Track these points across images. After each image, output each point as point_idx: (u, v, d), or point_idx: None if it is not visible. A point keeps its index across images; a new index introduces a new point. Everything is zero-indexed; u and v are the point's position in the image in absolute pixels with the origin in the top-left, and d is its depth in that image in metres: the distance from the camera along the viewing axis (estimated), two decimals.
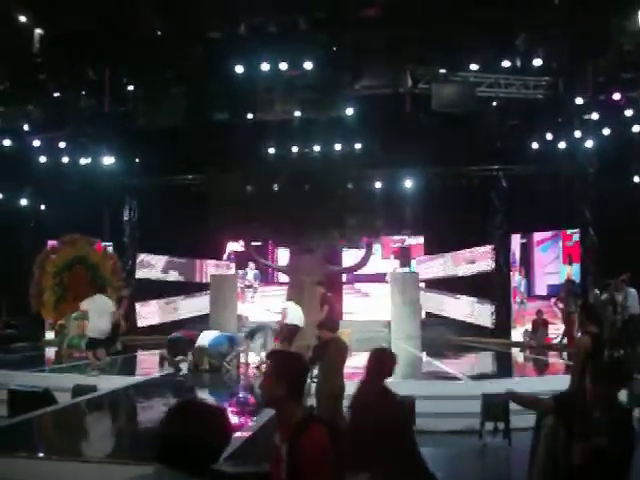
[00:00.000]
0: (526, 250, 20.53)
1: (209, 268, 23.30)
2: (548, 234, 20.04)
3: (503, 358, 16.96)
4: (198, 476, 2.44)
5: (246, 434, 6.74)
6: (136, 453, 6.96)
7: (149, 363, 14.95)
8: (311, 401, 9.23)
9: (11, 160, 17.93)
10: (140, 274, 22.38)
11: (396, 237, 23.38)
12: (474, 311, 21.82)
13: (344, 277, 22.80)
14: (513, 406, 8.14)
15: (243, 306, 22.26)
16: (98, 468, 5.77)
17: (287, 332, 13.01)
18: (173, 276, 22.98)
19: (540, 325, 18.39)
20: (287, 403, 3.25)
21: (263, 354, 12.26)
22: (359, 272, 21.08)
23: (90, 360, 12.24)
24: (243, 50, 15.18)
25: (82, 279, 18.02)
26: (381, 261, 23.16)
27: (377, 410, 5.04)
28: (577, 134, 17.08)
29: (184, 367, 12.61)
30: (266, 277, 23.41)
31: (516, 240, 20.84)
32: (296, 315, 13.43)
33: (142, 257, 22.66)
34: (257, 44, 15.06)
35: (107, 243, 20.85)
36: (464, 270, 22.01)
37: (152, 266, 22.79)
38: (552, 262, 19.82)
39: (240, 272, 22.65)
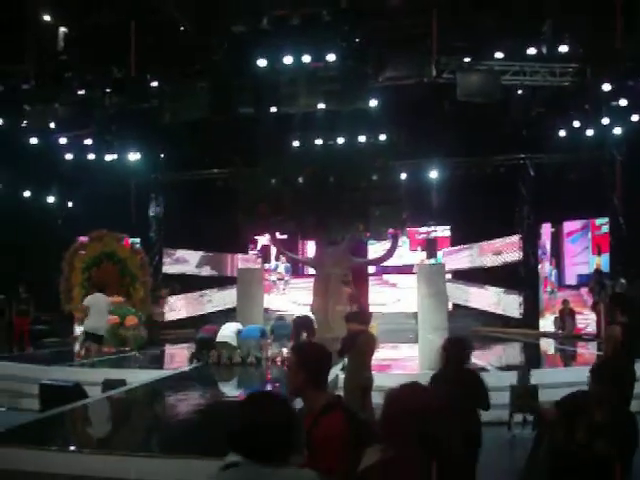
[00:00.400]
0: (556, 240, 20.35)
1: (239, 262, 23.51)
2: (577, 225, 19.83)
3: (531, 349, 16.81)
4: (275, 465, 2.50)
5: None
6: (167, 446, 7.03)
7: (177, 357, 15.07)
8: (339, 392, 9.28)
9: (38, 158, 18.15)
10: (175, 269, 22.70)
11: (422, 229, 23.29)
12: (501, 302, 21.68)
13: (372, 269, 22.80)
14: (542, 397, 8.07)
15: (275, 298, 22.46)
16: (130, 461, 5.82)
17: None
18: (206, 271, 23.25)
19: (566, 315, 18.23)
20: (309, 392, 3.35)
21: (284, 349, 12.34)
22: (386, 264, 21.07)
23: (81, 352, 12.91)
24: (266, 43, 15.18)
25: (110, 275, 18.23)
26: (409, 253, 23.12)
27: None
28: (605, 121, 16.80)
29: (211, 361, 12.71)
30: (296, 269, 23.56)
31: (547, 230, 20.66)
32: None
33: (178, 253, 22.93)
34: (280, 37, 15.04)
35: (134, 239, 21.03)
36: (491, 261, 21.86)
37: (187, 262, 23.14)
38: (581, 252, 19.64)
39: (272, 265, 22.87)
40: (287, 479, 2.54)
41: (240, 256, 23.84)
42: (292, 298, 23.26)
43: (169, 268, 22.76)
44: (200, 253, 23.19)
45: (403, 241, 22.83)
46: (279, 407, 2.63)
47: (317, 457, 3.07)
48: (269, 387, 11.24)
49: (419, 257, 22.78)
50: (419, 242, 23.40)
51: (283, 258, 22.29)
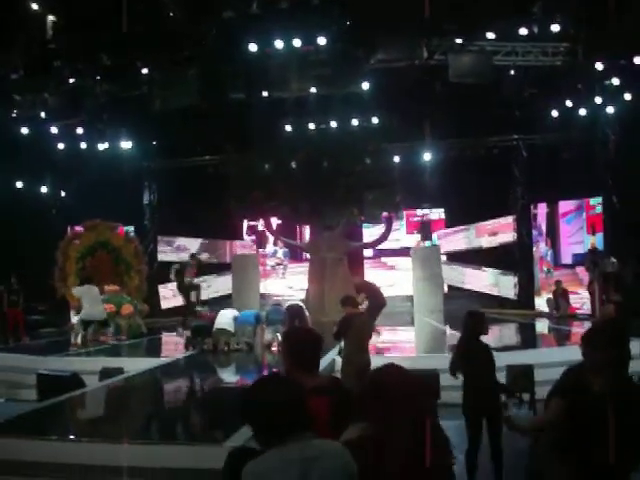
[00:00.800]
0: (552, 220, 20.41)
1: (237, 249, 23.54)
2: (572, 206, 19.86)
3: (526, 329, 16.88)
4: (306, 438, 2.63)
5: None
6: (165, 433, 7.06)
7: (174, 345, 15.10)
8: (337, 376, 9.32)
9: (29, 148, 18.05)
10: (176, 257, 22.74)
11: (418, 211, 23.31)
12: (497, 283, 21.75)
13: (370, 252, 22.83)
14: (538, 377, 8.11)
15: (273, 283, 22.51)
16: (128, 449, 5.84)
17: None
18: (206, 257, 23.28)
19: (559, 296, 18.30)
20: (297, 375, 3.38)
21: (278, 335, 12.41)
22: (384, 247, 21.13)
23: (77, 341, 13.47)
24: (256, 28, 15.08)
25: (105, 263, 18.21)
26: (406, 236, 23.20)
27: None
28: (598, 100, 16.78)
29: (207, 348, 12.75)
30: (295, 254, 23.62)
31: (542, 210, 20.71)
32: None
33: (178, 241, 22.92)
34: (270, 21, 14.94)
35: (128, 227, 20.99)
36: (486, 242, 21.91)
37: (188, 250, 23.16)
38: (577, 232, 19.70)
39: (270, 250, 22.92)
40: (327, 447, 2.65)
41: (239, 242, 23.87)
42: (289, 283, 23.31)
43: (166, 256, 22.73)
44: (199, 240, 23.16)
45: (400, 224, 22.93)
46: (290, 386, 2.74)
47: None
48: (264, 373, 11.30)
49: (415, 240, 22.83)
50: (415, 225, 23.45)
51: (280, 243, 22.34)
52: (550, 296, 18.95)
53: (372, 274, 22.86)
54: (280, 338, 12.24)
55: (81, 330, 13.82)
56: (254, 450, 2.77)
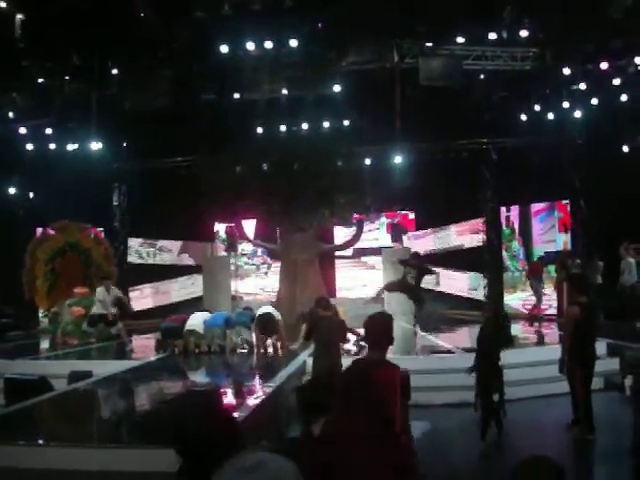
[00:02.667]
0: (525, 219, 20.71)
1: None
2: (544, 205, 20.17)
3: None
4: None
5: (244, 414, 6.79)
6: (133, 437, 7.01)
7: (144, 347, 14.99)
8: (307, 377, 9.34)
9: None
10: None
11: (390, 212, 23.46)
12: (467, 285, 21.95)
13: (349, 251, 22.90)
14: (508, 378, 8.21)
15: (249, 283, 22.60)
16: (98, 453, 5.80)
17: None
18: (185, 259, 23.25)
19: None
20: (370, 351, 4.50)
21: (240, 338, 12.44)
22: (364, 246, 21.36)
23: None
24: (228, 30, 15.06)
25: (74, 265, 18.01)
26: (386, 235, 23.38)
27: None
28: (565, 104, 17.06)
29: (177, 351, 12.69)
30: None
31: (515, 211, 21.01)
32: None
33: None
34: (242, 23, 14.93)
35: (98, 229, 20.78)
36: (456, 244, 22.10)
37: (170, 251, 23.12)
38: (549, 231, 20.01)
39: (250, 250, 23.01)
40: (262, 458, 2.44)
41: (216, 244, 23.92)
42: (262, 284, 23.29)
43: (147, 259, 22.84)
44: (180, 242, 23.35)
45: (380, 223, 23.14)
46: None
47: None
48: (231, 376, 11.30)
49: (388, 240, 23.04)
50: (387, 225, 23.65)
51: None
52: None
53: (342, 276, 22.99)
54: (240, 341, 12.32)
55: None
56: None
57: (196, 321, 12.63)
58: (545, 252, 19.78)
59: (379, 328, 4.54)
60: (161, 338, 12.98)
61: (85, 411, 8.45)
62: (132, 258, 22.63)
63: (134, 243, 23.05)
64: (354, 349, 10.66)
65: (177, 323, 13.05)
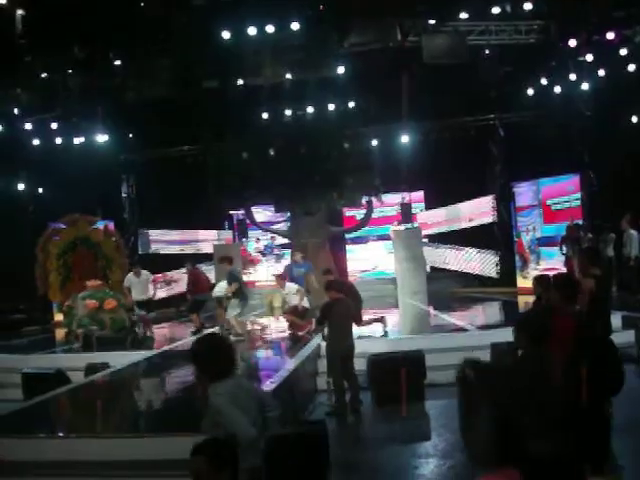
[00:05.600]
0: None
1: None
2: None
3: (510, 307, 17.02)
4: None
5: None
6: (153, 426, 7.06)
7: (159, 337, 15.08)
8: (322, 361, 9.36)
9: (4, 146, 17.81)
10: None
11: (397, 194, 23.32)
12: (478, 262, 21.88)
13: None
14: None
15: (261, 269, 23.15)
16: (116, 442, 5.84)
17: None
18: (194, 248, 23.35)
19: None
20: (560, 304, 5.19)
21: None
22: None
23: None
24: (228, 15, 14.96)
25: (86, 259, 18.04)
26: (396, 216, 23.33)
27: None
28: (572, 77, 16.86)
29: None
30: None
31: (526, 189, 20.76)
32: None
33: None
34: (242, 8, 14.83)
35: (108, 221, 20.81)
36: (466, 222, 22.00)
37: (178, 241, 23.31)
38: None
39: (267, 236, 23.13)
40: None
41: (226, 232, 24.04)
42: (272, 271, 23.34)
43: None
44: (190, 231, 23.51)
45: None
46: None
47: None
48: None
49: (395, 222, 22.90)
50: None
51: None
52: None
53: (354, 258, 23.04)
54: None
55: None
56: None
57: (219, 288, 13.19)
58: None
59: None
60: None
61: (101, 402, 8.49)
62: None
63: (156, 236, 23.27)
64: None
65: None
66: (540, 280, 7.27)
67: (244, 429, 3.64)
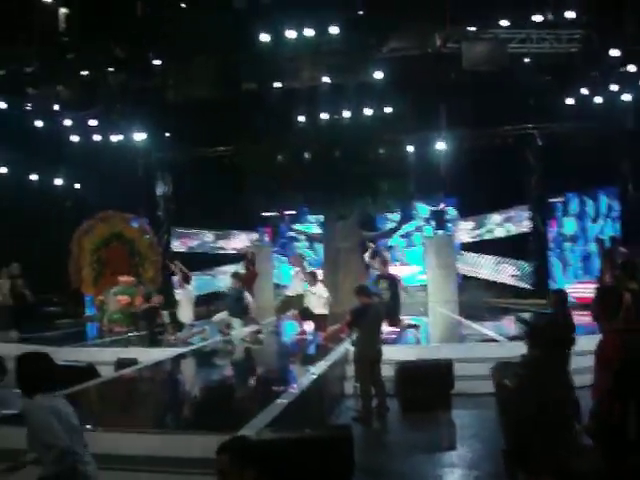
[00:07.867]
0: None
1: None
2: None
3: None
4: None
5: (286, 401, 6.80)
6: (180, 422, 7.09)
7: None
8: (350, 366, 9.31)
9: (44, 141, 18.11)
10: (205, 249, 23.34)
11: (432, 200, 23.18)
12: (511, 272, 21.64)
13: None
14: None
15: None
16: (142, 438, 5.86)
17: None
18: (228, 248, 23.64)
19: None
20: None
21: None
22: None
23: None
24: (268, 18, 15.02)
25: (119, 255, 18.29)
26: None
27: None
28: (614, 88, 16.57)
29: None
30: None
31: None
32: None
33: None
34: (282, 11, 14.88)
35: (143, 219, 21.04)
36: (501, 232, 21.79)
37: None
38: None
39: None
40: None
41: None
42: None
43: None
44: (228, 232, 23.98)
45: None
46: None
47: None
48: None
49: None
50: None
51: None
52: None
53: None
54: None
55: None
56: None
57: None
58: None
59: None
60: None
61: (131, 397, 8.57)
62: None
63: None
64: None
65: None
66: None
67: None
